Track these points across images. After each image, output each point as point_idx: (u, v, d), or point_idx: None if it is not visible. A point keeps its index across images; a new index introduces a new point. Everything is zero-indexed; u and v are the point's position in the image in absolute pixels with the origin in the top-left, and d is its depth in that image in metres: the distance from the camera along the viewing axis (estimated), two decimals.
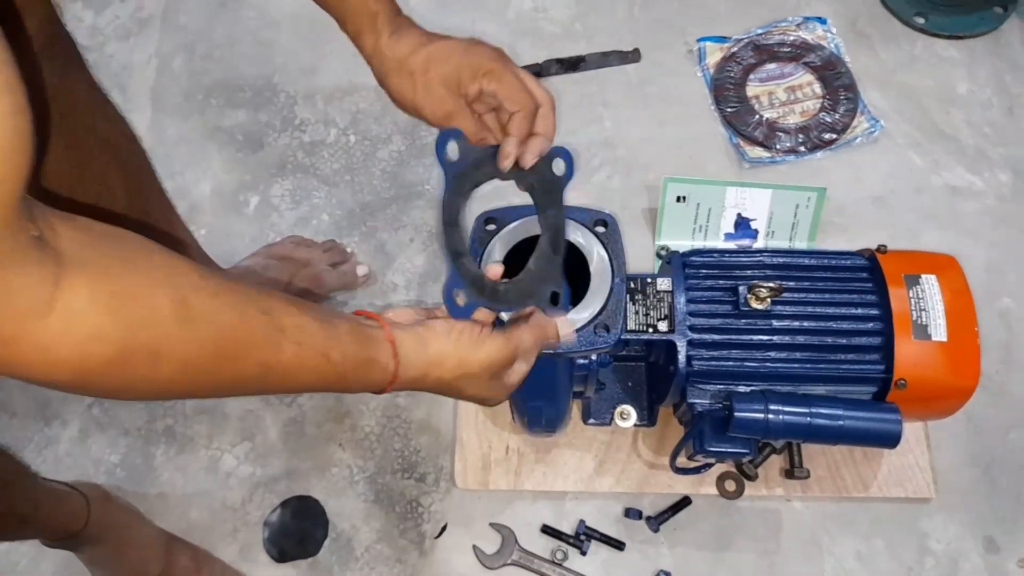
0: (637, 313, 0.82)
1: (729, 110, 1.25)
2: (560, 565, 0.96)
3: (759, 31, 1.33)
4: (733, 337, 0.83)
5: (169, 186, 0.92)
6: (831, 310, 0.83)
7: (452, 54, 0.64)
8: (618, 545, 0.96)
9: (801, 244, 1.14)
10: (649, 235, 1.16)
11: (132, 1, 1.36)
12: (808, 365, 0.82)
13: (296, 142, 1.24)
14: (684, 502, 0.98)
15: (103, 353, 0.39)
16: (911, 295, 0.82)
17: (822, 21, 1.33)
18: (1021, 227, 1.18)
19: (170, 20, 1.35)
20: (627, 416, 0.95)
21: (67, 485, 0.86)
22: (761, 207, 1.13)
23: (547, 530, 0.97)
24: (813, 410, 0.78)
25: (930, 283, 0.82)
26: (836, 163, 1.22)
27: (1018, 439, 1.03)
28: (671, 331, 0.82)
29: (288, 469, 1.02)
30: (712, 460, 0.89)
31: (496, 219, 0.78)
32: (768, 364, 0.82)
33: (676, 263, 0.86)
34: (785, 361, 0.82)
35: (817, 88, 1.28)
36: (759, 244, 1.14)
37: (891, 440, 0.78)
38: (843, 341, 0.82)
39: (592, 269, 0.76)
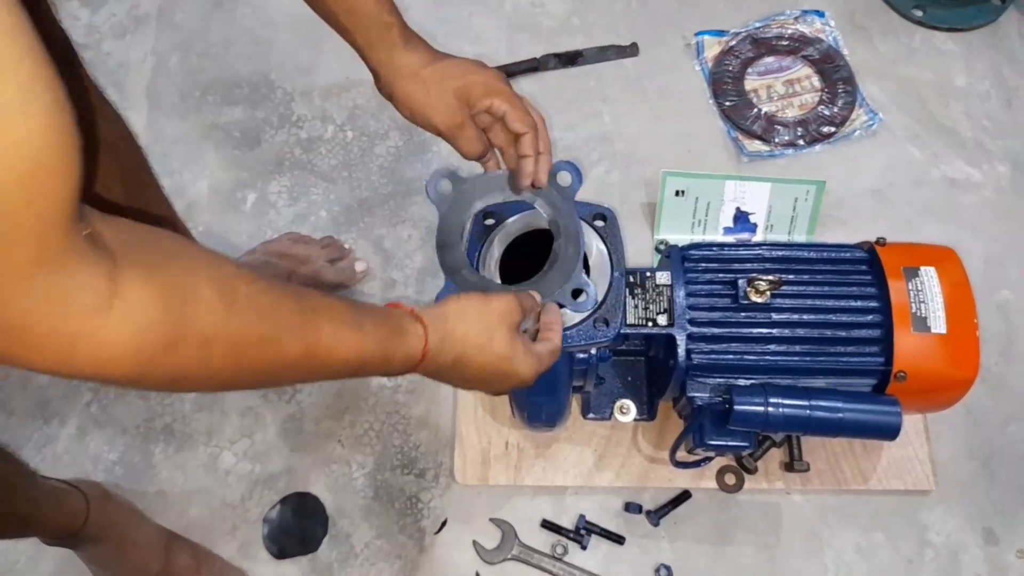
0: (636, 307, 0.82)
1: (727, 104, 1.25)
2: (560, 560, 0.96)
3: (757, 24, 1.32)
4: (733, 330, 0.83)
5: (166, 184, 0.92)
6: (830, 303, 0.83)
7: (464, 70, 0.68)
8: (618, 539, 0.97)
9: (800, 237, 1.14)
10: (648, 229, 1.16)
11: None
12: (808, 358, 0.82)
13: (293, 139, 1.24)
14: (684, 496, 0.98)
15: (159, 343, 0.40)
16: (910, 287, 0.82)
17: (820, 14, 1.33)
18: (1020, 219, 1.18)
19: (166, 18, 1.34)
20: (627, 410, 0.95)
21: (66, 483, 0.86)
22: (760, 201, 1.13)
23: (547, 525, 0.97)
24: (813, 403, 0.78)
25: (929, 275, 0.82)
26: (835, 156, 1.22)
27: (1017, 431, 1.03)
28: (670, 325, 0.82)
29: (287, 466, 1.02)
30: (712, 454, 0.89)
31: (494, 214, 0.78)
32: (768, 357, 0.82)
33: (675, 257, 0.86)
34: (785, 354, 0.82)
35: (815, 81, 1.28)
36: (758, 238, 1.14)
37: (891, 432, 0.78)
38: (842, 334, 0.82)
39: (591, 263, 0.76)
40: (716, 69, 1.28)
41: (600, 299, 0.74)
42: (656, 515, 0.97)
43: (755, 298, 0.82)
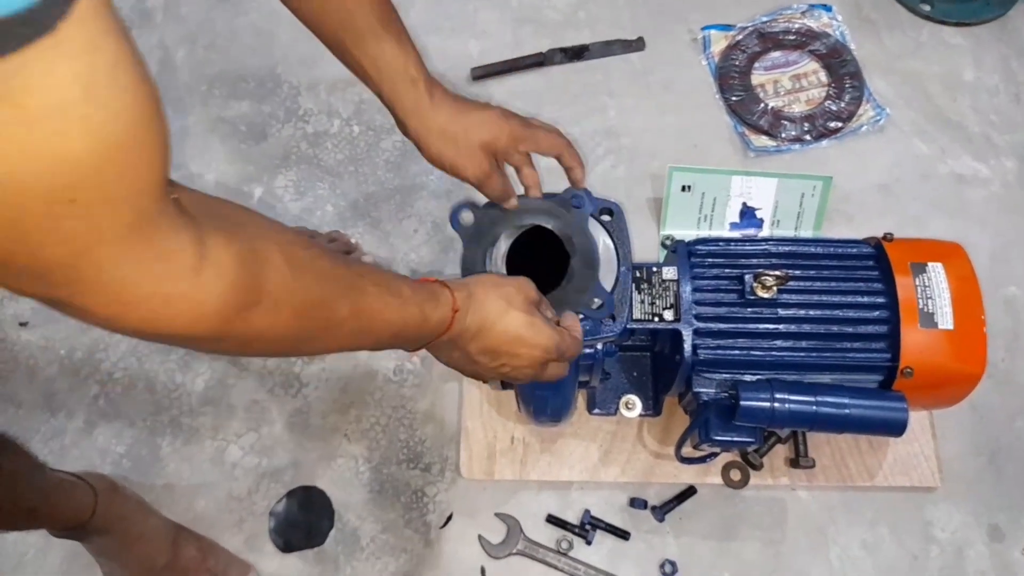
0: (643, 302, 0.82)
1: (734, 99, 1.25)
2: (565, 555, 0.96)
3: (764, 19, 1.32)
4: (739, 326, 0.83)
5: (173, 178, 0.92)
6: (837, 298, 0.83)
7: (489, 124, 0.73)
8: (623, 535, 0.97)
9: (807, 233, 1.13)
10: (654, 224, 1.16)
11: None
12: (814, 353, 0.82)
13: (300, 133, 1.24)
14: (689, 492, 0.98)
15: (241, 303, 0.43)
16: (917, 283, 0.81)
17: (827, 8, 1.33)
18: None
19: (172, 11, 1.34)
20: (632, 406, 0.94)
21: (74, 476, 0.86)
22: (766, 196, 1.12)
23: (552, 520, 0.98)
24: (819, 398, 0.78)
25: (936, 271, 0.82)
26: (842, 151, 1.22)
27: (1023, 427, 1.03)
28: (677, 320, 0.82)
29: (294, 460, 1.02)
30: (717, 449, 0.89)
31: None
32: (774, 352, 0.82)
33: (682, 252, 0.86)
34: (791, 350, 0.82)
35: (822, 76, 1.27)
36: (764, 233, 1.13)
37: (897, 428, 0.78)
38: (849, 329, 0.82)
39: (600, 258, 0.76)
40: (722, 64, 1.28)
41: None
42: (661, 511, 0.97)
43: (761, 293, 0.82)
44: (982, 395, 0.94)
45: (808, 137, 1.21)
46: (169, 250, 0.38)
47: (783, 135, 1.21)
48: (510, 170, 0.79)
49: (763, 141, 1.22)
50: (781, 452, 0.98)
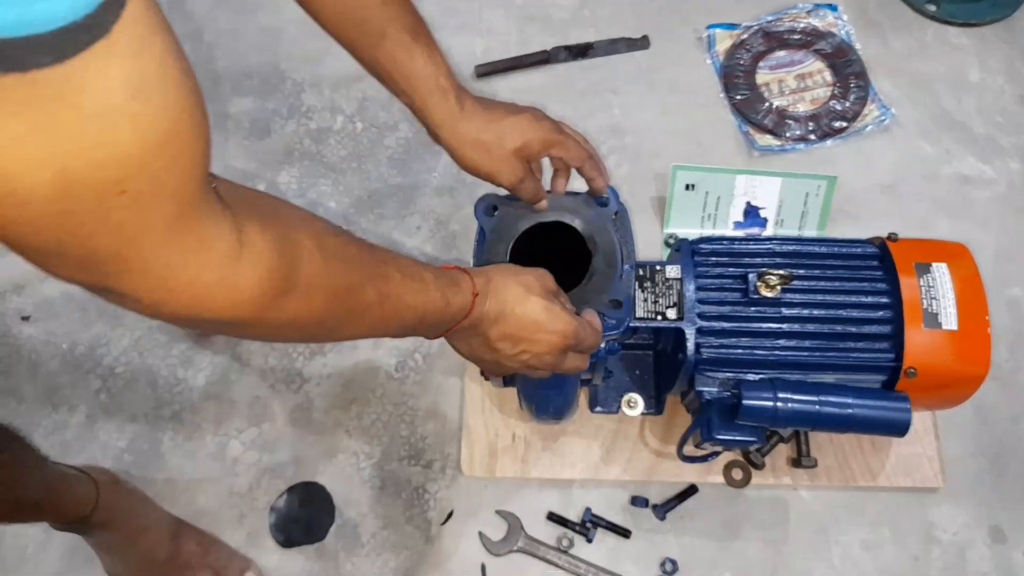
0: (646, 300, 0.82)
1: (739, 98, 1.24)
2: (566, 552, 0.96)
3: (769, 18, 1.32)
4: (742, 325, 0.82)
5: None
6: (841, 298, 0.83)
7: (521, 130, 0.73)
8: (624, 533, 0.97)
9: (811, 232, 1.13)
10: (658, 223, 1.15)
11: None
12: (818, 353, 0.82)
13: (303, 129, 1.24)
14: (691, 490, 0.98)
15: (278, 288, 0.44)
16: (922, 283, 0.81)
17: (833, 8, 1.32)
18: None
19: (176, 7, 1.34)
20: (634, 404, 0.94)
21: (76, 469, 0.86)
22: (771, 195, 1.12)
23: (553, 517, 0.97)
24: (822, 398, 0.78)
25: (941, 271, 0.82)
26: (846, 151, 1.21)
27: None
28: (680, 319, 0.82)
29: (295, 455, 1.02)
30: (719, 448, 0.89)
31: (497, 206, 0.80)
32: (777, 352, 0.82)
33: (685, 250, 0.86)
34: (794, 349, 0.82)
35: (827, 76, 1.27)
36: (768, 232, 1.13)
37: (900, 429, 0.78)
38: (853, 329, 0.82)
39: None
40: (727, 63, 1.28)
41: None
42: (662, 509, 0.97)
43: (765, 292, 0.82)
44: (985, 396, 0.94)
45: (813, 137, 1.21)
46: (211, 238, 0.40)
47: (787, 134, 1.21)
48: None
49: (767, 140, 1.22)
50: (783, 452, 0.97)
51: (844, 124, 1.22)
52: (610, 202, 0.80)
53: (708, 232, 1.14)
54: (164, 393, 1.05)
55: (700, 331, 0.82)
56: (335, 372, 1.06)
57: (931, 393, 0.83)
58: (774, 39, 1.29)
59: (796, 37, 1.29)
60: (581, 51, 1.29)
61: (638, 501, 0.98)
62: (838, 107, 1.23)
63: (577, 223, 0.78)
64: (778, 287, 0.81)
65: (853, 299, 0.83)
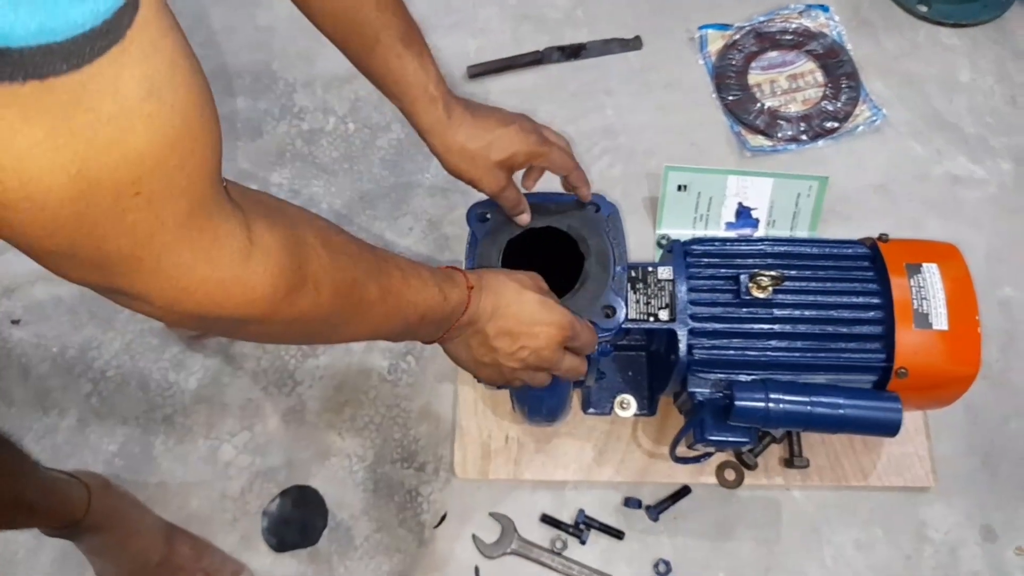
0: (638, 302, 0.82)
1: (731, 98, 1.24)
2: (559, 554, 0.96)
3: (761, 19, 1.32)
4: (734, 326, 0.82)
5: None
6: (832, 299, 0.83)
7: (508, 143, 0.75)
8: (617, 534, 0.97)
9: (803, 233, 1.13)
10: (650, 224, 1.15)
11: None
12: (809, 354, 0.82)
13: (295, 130, 1.24)
14: (684, 491, 0.98)
15: (288, 285, 0.45)
16: (912, 284, 0.81)
17: (824, 8, 1.33)
18: (1023, 216, 1.17)
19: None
20: (627, 406, 0.94)
21: (67, 474, 0.86)
22: (762, 196, 1.12)
23: (546, 519, 0.97)
24: (814, 399, 0.78)
25: (931, 272, 0.82)
26: (838, 152, 1.22)
27: (1017, 428, 1.03)
28: (672, 320, 0.82)
29: (287, 459, 1.02)
30: (712, 449, 0.89)
31: (489, 213, 0.81)
32: (769, 353, 0.82)
33: (677, 252, 0.86)
34: (786, 350, 0.82)
35: (819, 76, 1.27)
36: (760, 233, 1.13)
37: (891, 429, 0.78)
38: (844, 330, 0.82)
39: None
40: (719, 63, 1.28)
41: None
42: (656, 510, 0.97)
43: (757, 293, 0.82)
44: (976, 396, 0.94)
45: (804, 137, 1.21)
46: (223, 235, 0.40)
47: (779, 135, 1.21)
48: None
49: (759, 141, 1.22)
50: (776, 452, 0.98)
51: (836, 125, 1.22)
52: (601, 207, 0.81)
53: (700, 233, 1.14)
54: (156, 396, 1.05)
55: (692, 332, 0.82)
56: (327, 374, 1.06)
57: (922, 393, 0.83)
58: (766, 40, 1.29)
59: (788, 38, 1.29)
60: (574, 51, 1.29)
61: (631, 502, 0.98)
62: (830, 107, 1.23)
63: (569, 228, 0.79)
64: (770, 288, 0.81)
65: (844, 300, 0.83)
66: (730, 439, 0.82)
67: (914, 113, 1.25)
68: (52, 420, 1.04)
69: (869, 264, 0.85)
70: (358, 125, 1.24)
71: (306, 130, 1.24)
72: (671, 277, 0.83)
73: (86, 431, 1.03)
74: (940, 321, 0.80)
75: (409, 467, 1.01)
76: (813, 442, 0.97)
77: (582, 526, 0.96)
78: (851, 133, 1.22)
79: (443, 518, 0.98)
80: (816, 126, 1.22)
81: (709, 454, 0.92)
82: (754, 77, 1.27)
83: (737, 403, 0.77)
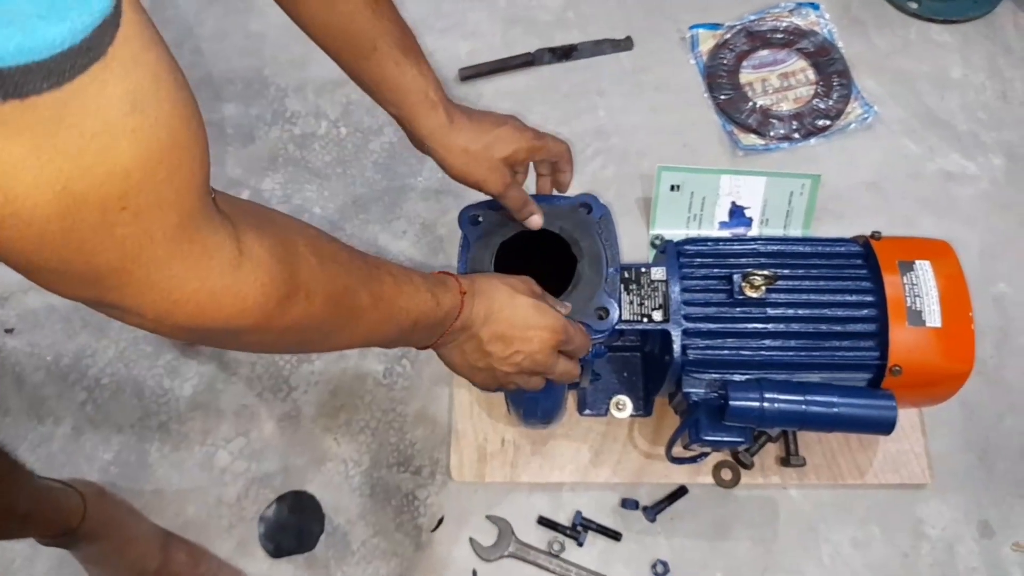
0: (632, 303, 0.82)
1: (722, 97, 1.25)
2: (557, 556, 0.96)
3: (752, 17, 1.32)
4: (728, 326, 0.82)
5: None
6: (826, 297, 0.83)
7: (507, 141, 0.75)
8: (615, 535, 0.96)
9: (796, 231, 1.13)
10: (643, 224, 1.15)
11: None
12: (803, 353, 0.82)
13: (287, 135, 1.24)
14: (680, 492, 0.98)
15: (279, 294, 0.45)
16: (905, 281, 0.81)
17: (815, 7, 1.33)
18: (1015, 212, 1.17)
19: (158, 13, 1.33)
20: (623, 407, 0.94)
21: (62, 483, 0.85)
22: (755, 195, 1.12)
23: (544, 521, 0.97)
24: (808, 398, 0.78)
25: (924, 269, 0.82)
26: (830, 150, 1.22)
27: (1013, 424, 1.03)
28: (666, 320, 0.82)
29: (283, 464, 1.01)
30: (708, 449, 0.89)
31: (481, 216, 0.81)
32: (763, 352, 0.82)
33: (670, 252, 0.86)
34: (780, 349, 0.82)
35: (810, 74, 1.27)
36: (753, 232, 1.13)
37: (886, 426, 0.78)
38: (838, 328, 0.82)
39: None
40: (711, 63, 1.28)
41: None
42: (653, 511, 0.97)
43: (750, 293, 0.82)
44: (971, 393, 0.95)
45: (796, 135, 1.21)
46: (212, 246, 0.40)
47: (771, 133, 1.21)
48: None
49: (752, 140, 1.22)
50: (772, 451, 0.98)
51: (827, 122, 1.22)
52: (594, 209, 0.81)
53: (694, 233, 1.14)
54: (151, 404, 1.05)
55: (686, 332, 0.82)
56: (322, 379, 1.06)
57: (916, 390, 0.83)
58: (757, 38, 1.29)
59: (779, 36, 1.30)
60: (565, 53, 1.29)
61: (628, 503, 0.98)
62: (821, 105, 1.23)
63: (561, 230, 0.79)
64: (763, 287, 0.81)
65: (837, 298, 0.83)
66: (725, 439, 0.82)
67: (906, 110, 1.25)
68: (47, 429, 1.03)
69: (862, 262, 0.85)
70: (350, 129, 1.24)
71: (298, 135, 1.23)
72: (664, 278, 0.83)
73: (81, 439, 1.03)
74: (934, 318, 0.80)
75: (405, 471, 1.01)
76: (809, 440, 0.97)
77: (579, 528, 0.96)
78: (843, 131, 1.22)
79: (440, 522, 0.98)
80: (808, 124, 1.22)
81: (705, 454, 0.92)
82: (746, 76, 1.27)
83: (732, 403, 0.77)
